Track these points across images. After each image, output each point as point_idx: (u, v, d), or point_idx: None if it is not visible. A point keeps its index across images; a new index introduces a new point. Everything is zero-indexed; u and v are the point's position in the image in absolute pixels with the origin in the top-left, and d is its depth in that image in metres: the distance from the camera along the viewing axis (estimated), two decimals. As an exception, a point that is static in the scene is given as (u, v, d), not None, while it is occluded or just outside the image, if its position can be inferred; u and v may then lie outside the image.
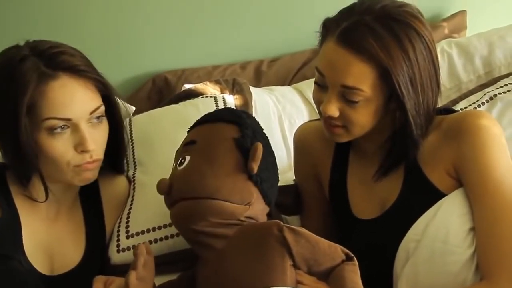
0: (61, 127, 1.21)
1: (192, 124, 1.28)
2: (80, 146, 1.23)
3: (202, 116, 1.28)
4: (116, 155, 1.41)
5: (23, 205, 1.28)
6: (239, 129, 1.19)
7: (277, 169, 1.27)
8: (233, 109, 1.40)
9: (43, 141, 1.21)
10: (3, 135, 1.24)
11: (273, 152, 1.26)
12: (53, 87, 1.20)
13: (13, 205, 1.27)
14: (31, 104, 1.19)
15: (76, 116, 1.22)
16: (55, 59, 1.21)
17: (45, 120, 1.20)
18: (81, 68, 1.23)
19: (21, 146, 1.19)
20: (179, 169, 1.16)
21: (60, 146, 1.22)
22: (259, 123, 1.30)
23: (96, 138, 1.25)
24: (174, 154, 1.25)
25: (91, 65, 1.27)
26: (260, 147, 1.15)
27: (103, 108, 1.27)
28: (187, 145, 1.20)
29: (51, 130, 1.21)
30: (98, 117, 1.26)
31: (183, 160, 1.17)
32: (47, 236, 1.31)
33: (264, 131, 1.28)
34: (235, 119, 1.22)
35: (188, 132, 1.27)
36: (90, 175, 1.27)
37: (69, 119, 1.21)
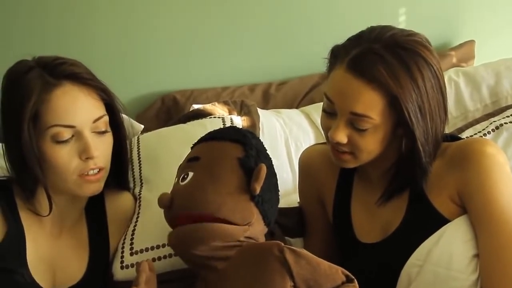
0: (66, 137, 1.22)
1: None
2: (84, 153, 1.23)
3: (207, 133, 1.29)
4: (120, 170, 1.42)
5: (28, 219, 1.29)
6: (243, 149, 1.20)
7: (278, 190, 1.27)
8: (239, 128, 1.41)
9: (48, 150, 1.22)
10: (9, 145, 1.26)
11: (276, 174, 1.27)
12: (57, 94, 1.22)
13: (18, 219, 1.27)
14: (36, 112, 1.20)
15: (80, 123, 1.23)
16: (58, 68, 1.24)
17: (49, 128, 1.21)
18: (84, 76, 1.26)
19: (24, 155, 1.20)
20: (181, 184, 1.17)
21: (64, 155, 1.23)
22: (264, 144, 1.30)
23: (100, 147, 1.26)
24: (180, 171, 1.26)
25: (93, 74, 1.29)
26: (264, 168, 1.16)
27: (107, 118, 1.29)
28: (191, 161, 1.21)
29: (56, 140, 1.22)
30: (103, 132, 1.28)
31: (185, 176, 1.17)
32: (51, 251, 1.31)
33: (268, 152, 1.28)
34: (240, 138, 1.22)
35: (192, 148, 1.28)
36: (94, 187, 1.28)
37: (72, 126, 1.22)
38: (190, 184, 1.16)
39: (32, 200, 1.28)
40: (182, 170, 1.21)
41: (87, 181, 1.26)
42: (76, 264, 1.35)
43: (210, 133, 1.28)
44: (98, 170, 1.27)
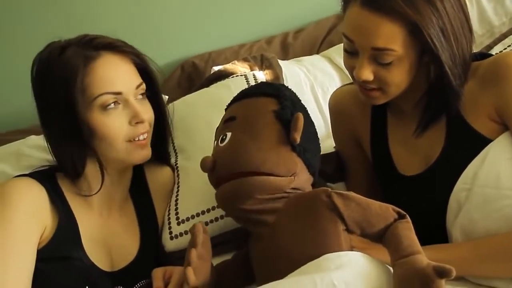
0: (114, 103, 1.24)
1: (228, 103, 1.28)
2: (134, 118, 1.26)
3: (239, 92, 1.28)
4: (161, 143, 1.43)
5: (77, 204, 1.30)
6: (277, 102, 1.19)
7: (318, 138, 1.26)
8: (270, 82, 1.38)
9: (98, 119, 1.24)
10: (55, 127, 1.27)
11: (313, 122, 1.26)
12: (99, 64, 1.25)
13: (67, 206, 1.29)
14: (82, 86, 1.22)
15: (126, 89, 1.26)
16: (93, 41, 1.27)
17: (97, 98, 1.23)
18: (119, 44, 1.29)
19: (79, 129, 1.22)
20: (221, 146, 1.17)
21: (115, 122, 1.25)
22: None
23: (146, 111, 1.30)
24: (213, 136, 1.25)
25: (125, 42, 1.32)
26: (301, 117, 1.15)
27: (144, 86, 1.31)
28: (227, 122, 1.21)
29: (104, 107, 1.24)
30: (141, 94, 1.30)
31: (224, 137, 1.17)
32: (103, 233, 1.33)
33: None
34: (273, 91, 1.22)
35: (225, 110, 1.28)
36: (144, 153, 1.30)
37: (119, 93, 1.25)
38: (230, 144, 1.15)
39: (78, 182, 1.30)
40: (220, 131, 1.21)
41: (136, 147, 1.28)
42: (129, 241, 1.37)
43: (242, 91, 1.28)
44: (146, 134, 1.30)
